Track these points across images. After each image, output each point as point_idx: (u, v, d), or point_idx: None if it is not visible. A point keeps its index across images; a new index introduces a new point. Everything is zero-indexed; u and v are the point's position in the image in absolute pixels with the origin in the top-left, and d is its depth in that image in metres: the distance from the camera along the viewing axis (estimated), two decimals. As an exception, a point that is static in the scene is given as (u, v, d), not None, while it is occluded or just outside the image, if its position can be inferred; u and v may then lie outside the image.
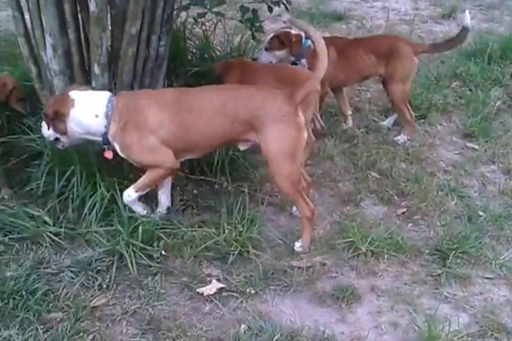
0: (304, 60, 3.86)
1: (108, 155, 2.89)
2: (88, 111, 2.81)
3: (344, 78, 3.91)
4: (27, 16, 3.34)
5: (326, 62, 2.73)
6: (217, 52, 4.29)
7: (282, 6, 3.85)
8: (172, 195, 3.11)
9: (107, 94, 2.90)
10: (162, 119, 2.79)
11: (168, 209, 3.08)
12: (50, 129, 2.85)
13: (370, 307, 2.66)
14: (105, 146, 2.88)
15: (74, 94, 2.88)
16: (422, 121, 4.28)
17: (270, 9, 3.88)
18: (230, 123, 2.79)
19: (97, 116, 2.80)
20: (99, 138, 2.84)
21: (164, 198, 3.06)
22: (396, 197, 3.41)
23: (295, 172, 2.83)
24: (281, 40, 3.83)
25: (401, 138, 3.97)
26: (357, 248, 2.93)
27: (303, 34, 3.83)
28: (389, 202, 3.38)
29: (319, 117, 3.75)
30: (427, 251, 2.97)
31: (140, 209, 2.96)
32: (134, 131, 2.79)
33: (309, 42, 3.78)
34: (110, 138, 2.83)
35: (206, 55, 4.24)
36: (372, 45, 3.89)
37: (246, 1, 3.98)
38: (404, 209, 3.32)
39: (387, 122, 4.18)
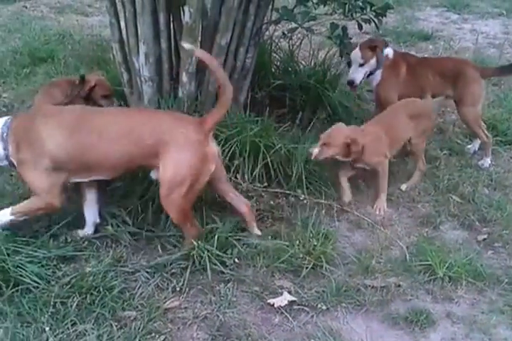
0: (379, 71, 3.90)
1: None
2: None
3: (408, 94, 3.83)
4: (123, 23, 3.50)
5: (231, 95, 2.68)
6: (301, 66, 4.31)
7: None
8: (100, 211, 2.98)
9: (4, 117, 2.79)
10: (57, 138, 2.65)
11: (96, 225, 2.98)
12: None
13: (444, 333, 2.56)
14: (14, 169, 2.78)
15: None
16: (508, 147, 4.13)
17: (360, 27, 3.86)
18: (137, 147, 2.67)
19: None
20: (6, 162, 2.76)
21: (90, 214, 2.96)
22: (477, 223, 3.28)
23: (188, 204, 2.73)
24: (372, 47, 3.84)
25: (485, 161, 3.85)
26: (434, 272, 2.83)
27: (388, 52, 3.91)
28: (469, 228, 3.26)
29: None
30: (506, 280, 2.84)
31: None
32: (26, 151, 2.67)
33: (387, 51, 3.92)
34: (12, 160, 2.73)
35: (290, 69, 4.27)
36: (439, 65, 3.91)
37: (333, 18, 3.98)
38: (485, 236, 3.19)
39: (473, 146, 4.07)
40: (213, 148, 2.74)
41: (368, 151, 3.27)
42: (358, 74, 3.89)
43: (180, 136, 2.65)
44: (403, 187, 3.54)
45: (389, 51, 3.94)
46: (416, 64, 3.92)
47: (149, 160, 2.70)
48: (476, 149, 4.04)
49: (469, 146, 4.07)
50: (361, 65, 3.86)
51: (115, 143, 2.68)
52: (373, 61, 3.86)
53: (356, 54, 3.85)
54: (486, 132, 3.89)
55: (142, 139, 2.66)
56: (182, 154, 2.66)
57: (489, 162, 3.85)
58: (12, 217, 2.76)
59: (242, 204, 2.99)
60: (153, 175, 2.80)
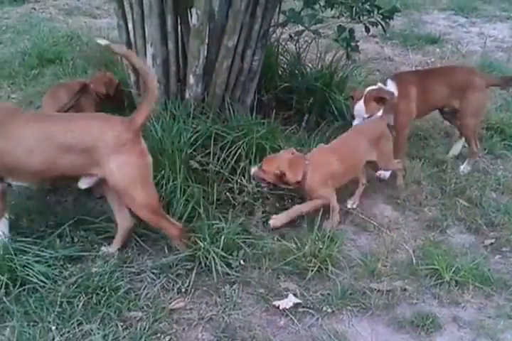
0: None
1: None
2: None
3: (421, 112, 3.73)
4: (130, 25, 3.52)
5: (155, 88, 2.65)
6: (308, 69, 4.31)
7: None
8: (9, 223, 2.83)
9: None
10: None
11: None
12: None
13: (450, 338, 2.55)
14: None
15: None
16: (517, 152, 4.11)
17: (367, 30, 3.86)
18: (63, 155, 2.56)
19: None
20: None
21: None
22: (484, 227, 3.27)
23: (151, 197, 2.69)
24: (378, 99, 3.44)
25: (464, 168, 3.79)
26: (440, 276, 2.83)
27: (391, 87, 3.56)
28: (477, 232, 3.25)
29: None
30: (514, 284, 2.83)
31: None
32: None
33: (389, 85, 3.57)
34: None
35: (296, 71, 4.27)
36: (447, 76, 3.70)
37: (340, 20, 3.99)
38: (493, 240, 3.18)
39: (453, 149, 4.00)
40: (144, 144, 2.69)
41: (310, 182, 3.08)
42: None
43: (112, 139, 2.57)
44: (349, 204, 3.34)
45: (390, 84, 3.59)
46: (423, 80, 3.66)
47: (85, 170, 2.62)
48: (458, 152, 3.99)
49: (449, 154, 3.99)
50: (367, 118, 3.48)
51: (34, 150, 2.56)
52: (380, 113, 3.46)
53: (360, 107, 3.46)
54: (477, 142, 3.83)
55: (68, 146, 2.56)
56: (121, 157, 2.59)
57: (469, 168, 3.79)
58: None
59: (125, 221, 2.87)
60: (82, 183, 2.72)
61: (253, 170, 3.12)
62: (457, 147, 3.98)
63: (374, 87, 3.52)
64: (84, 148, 2.56)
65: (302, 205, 3.15)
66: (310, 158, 3.14)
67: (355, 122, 3.51)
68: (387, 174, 3.65)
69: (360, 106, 3.45)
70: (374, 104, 3.43)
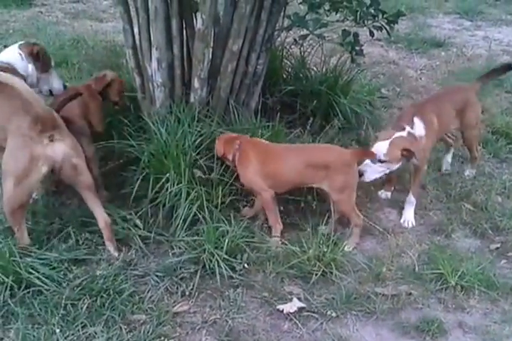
0: None
1: None
2: None
3: (436, 141, 3.64)
4: (136, 29, 3.52)
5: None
6: (312, 73, 4.31)
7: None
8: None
9: None
10: None
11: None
12: None
13: (455, 343, 2.53)
14: None
15: None
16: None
17: (372, 34, 3.86)
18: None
19: None
20: None
21: None
22: (490, 232, 3.26)
23: (17, 198, 2.62)
24: (407, 152, 3.12)
25: (470, 172, 3.80)
26: (446, 280, 2.82)
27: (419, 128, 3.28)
28: (482, 236, 3.24)
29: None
30: (519, 289, 2.81)
31: None
32: None
33: (417, 125, 3.29)
34: None
35: (301, 75, 4.26)
36: (452, 98, 3.57)
37: (345, 24, 3.99)
38: (498, 245, 3.17)
39: (445, 163, 3.89)
40: (49, 148, 2.62)
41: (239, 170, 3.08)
42: (371, 171, 3.17)
43: (15, 123, 2.62)
44: (346, 248, 3.02)
45: (418, 124, 3.28)
46: (440, 107, 3.47)
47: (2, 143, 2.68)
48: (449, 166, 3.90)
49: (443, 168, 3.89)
50: (381, 161, 3.15)
51: None
52: (396, 165, 3.18)
53: (381, 147, 3.13)
54: (478, 148, 3.85)
55: None
56: (15, 142, 2.61)
57: (474, 172, 3.80)
58: None
59: (100, 219, 2.86)
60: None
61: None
62: (448, 160, 3.90)
63: (403, 135, 3.19)
64: None
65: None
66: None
67: (366, 161, 3.15)
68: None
69: (380, 147, 3.13)
70: (398, 154, 3.12)
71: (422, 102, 3.66)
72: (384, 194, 3.57)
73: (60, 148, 2.66)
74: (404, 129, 3.24)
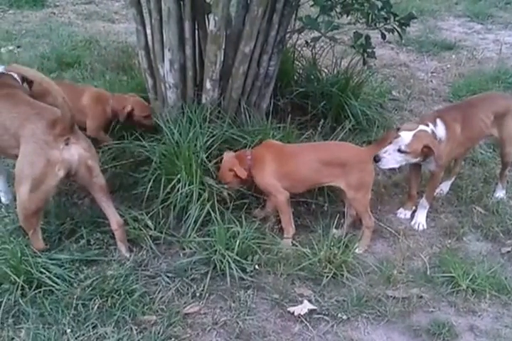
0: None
1: None
2: None
3: (462, 151, 3.48)
4: (149, 31, 3.54)
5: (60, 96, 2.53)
6: (324, 75, 4.31)
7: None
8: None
9: None
10: None
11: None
12: None
13: (467, 347, 2.52)
14: None
15: None
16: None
17: (383, 36, 3.85)
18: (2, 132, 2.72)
19: None
20: None
21: None
22: (501, 235, 3.24)
23: (33, 203, 2.62)
24: (427, 149, 3.06)
25: (501, 193, 3.59)
26: (457, 284, 2.80)
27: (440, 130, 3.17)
28: (493, 239, 3.22)
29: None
30: (531, 294, 2.79)
31: None
32: None
33: (439, 132, 3.16)
34: None
35: (312, 77, 4.26)
36: (489, 105, 3.41)
37: (356, 27, 3.98)
38: (510, 248, 3.15)
39: (444, 187, 3.65)
40: (60, 151, 2.61)
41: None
42: (389, 159, 3.07)
43: (30, 130, 2.61)
44: (357, 250, 3.01)
45: (440, 126, 3.18)
46: (464, 114, 3.31)
47: (15, 150, 2.68)
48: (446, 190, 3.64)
49: (443, 189, 3.63)
50: (401, 152, 3.08)
51: None
52: (414, 159, 3.13)
53: (405, 138, 3.05)
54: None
55: (6, 127, 2.70)
56: (30, 147, 2.60)
57: (504, 192, 3.60)
58: None
59: (113, 221, 2.87)
60: None
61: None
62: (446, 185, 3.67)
63: (426, 129, 3.11)
64: (13, 131, 2.69)
65: None
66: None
67: (387, 147, 3.08)
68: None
69: (404, 137, 3.05)
70: (419, 147, 3.05)
71: (448, 108, 3.57)
72: (403, 213, 3.42)
73: (76, 152, 2.66)
74: (428, 125, 3.17)
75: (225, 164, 3.08)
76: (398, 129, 3.17)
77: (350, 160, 2.99)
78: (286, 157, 3.06)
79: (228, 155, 3.10)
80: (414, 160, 3.15)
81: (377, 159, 3.06)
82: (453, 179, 3.68)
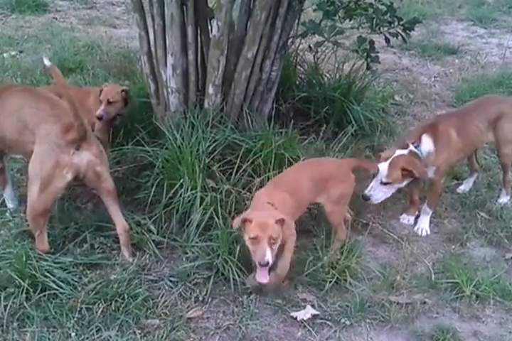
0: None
1: None
2: None
3: (464, 156, 3.50)
4: (151, 36, 3.55)
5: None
6: (326, 79, 4.32)
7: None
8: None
9: None
10: None
11: None
12: None
13: (471, 353, 2.51)
14: None
15: None
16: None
17: (387, 41, 3.85)
18: (18, 127, 2.78)
19: None
20: None
21: None
22: (505, 241, 3.23)
23: (41, 203, 2.65)
24: (406, 171, 3.10)
25: (505, 199, 3.58)
26: (461, 290, 2.80)
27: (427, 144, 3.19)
28: (497, 245, 3.22)
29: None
30: (535, 300, 2.78)
31: None
32: None
33: (425, 144, 3.19)
34: None
35: (314, 81, 4.27)
36: (484, 112, 3.43)
37: (360, 31, 3.99)
38: (514, 254, 3.14)
39: (466, 185, 3.70)
40: (72, 157, 2.64)
41: None
42: (377, 193, 3.16)
43: (43, 131, 2.66)
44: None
45: (427, 141, 3.20)
46: (461, 121, 3.33)
47: (30, 146, 2.72)
48: (468, 188, 3.69)
49: (461, 187, 3.70)
50: (384, 184, 3.15)
51: (5, 121, 2.83)
52: (402, 183, 3.17)
53: (382, 170, 3.11)
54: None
55: (26, 123, 2.75)
56: (43, 148, 2.64)
57: (508, 198, 3.58)
58: None
59: (119, 225, 2.87)
60: None
61: None
62: (469, 183, 3.71)
63: (404, 153, 3.14)
64: (31, 127, 2.75)
65: None
66: None
67: (372, 182, 3.17)
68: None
69: (383, 170, 3.10)
70: (398, 174, 3.09)
71: (443, 115, 3.60)
72: (406, 219, 3.41)
73: (86, 157, 2.68)
74: (407, 147, 3.18)
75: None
76: (379, 156, 3.22)
77: (332, 175, 2.95)
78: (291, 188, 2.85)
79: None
80: (404, 184, 3.19)
81: (366, 198, 3.16)
82: (475, 176, 3.70)
